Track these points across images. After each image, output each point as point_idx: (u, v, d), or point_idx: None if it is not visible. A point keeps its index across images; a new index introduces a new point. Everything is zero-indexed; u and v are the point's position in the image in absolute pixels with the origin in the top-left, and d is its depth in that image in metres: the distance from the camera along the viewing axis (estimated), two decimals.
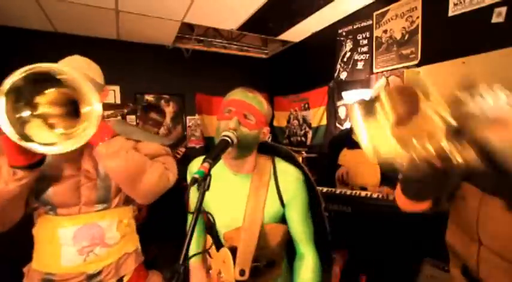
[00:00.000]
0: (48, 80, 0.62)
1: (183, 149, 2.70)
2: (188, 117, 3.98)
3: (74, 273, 0.89)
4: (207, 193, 0.61)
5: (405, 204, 0.82)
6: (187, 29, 3.56)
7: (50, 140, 0.64)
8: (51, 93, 0.65)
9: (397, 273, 1.64)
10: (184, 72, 3.93)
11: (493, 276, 0.72)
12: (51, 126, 0.66)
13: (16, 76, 0.58)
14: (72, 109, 0.68)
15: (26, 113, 0.63)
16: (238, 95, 0.86)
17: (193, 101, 3.83)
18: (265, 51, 4.40)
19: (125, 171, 0.82)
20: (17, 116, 0.61)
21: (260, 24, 3.15)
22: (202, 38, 3.76)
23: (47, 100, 0.64)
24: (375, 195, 1.81)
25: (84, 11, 2.64)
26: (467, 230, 0.79)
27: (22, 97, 0.61)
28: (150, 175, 0.88)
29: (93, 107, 0.65)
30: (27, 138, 0.62)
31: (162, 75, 3.80)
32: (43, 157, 0.72)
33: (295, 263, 0.95)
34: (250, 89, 0.89)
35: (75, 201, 0.89)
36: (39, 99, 0.64)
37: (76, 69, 0.86)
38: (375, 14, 2.64)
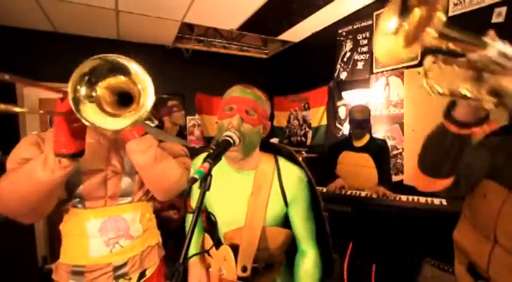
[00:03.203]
0: (114, 70, 0.66)
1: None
2: (188, 117, 3.97)
3: (101, 264, 0.94)
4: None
5: (424, 182, 0.79)
6: (187, 29, 3.56)
7: (101, 122, 0.65)
8: (110, 80, 0.67)
9: (398, 273, 1.64)
10: (184, 72, 3.93)
11: (503, 275, 0.72)
12: (103, 111, 0.67)
13: (95, 60, 0.62)
14: (120, 100, 0.70)
15: (84, 94, 0.64)
16: (237, 92, 0.86)
17: (193, 101, 3.83)
18: (265, 51, 4.39)
19: (152, 167, 0.89)
20: (78, 94, 0.63)
21: (260, 24, 3.15)
22: (202, 38, 3.76)
23: (104, 86, 0.66)
24: (374, 195, 1.81)
25: (84, 11, 2.64)
26: (484, 228, 0.79)
27: (88, 79, 0.63)
28: (172, 173, 0.93)
29: (145, 104, 0.67)
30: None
31: (162, 75, 3.78)
32: (84, 148, 0.76)
33: (297, 259, 0.96)
34: (247, 85, 0.89)
35: (102, 194, 0.94)
36: (100, 84, 0.66)
37: None
38: (375, 14, 2.64)
